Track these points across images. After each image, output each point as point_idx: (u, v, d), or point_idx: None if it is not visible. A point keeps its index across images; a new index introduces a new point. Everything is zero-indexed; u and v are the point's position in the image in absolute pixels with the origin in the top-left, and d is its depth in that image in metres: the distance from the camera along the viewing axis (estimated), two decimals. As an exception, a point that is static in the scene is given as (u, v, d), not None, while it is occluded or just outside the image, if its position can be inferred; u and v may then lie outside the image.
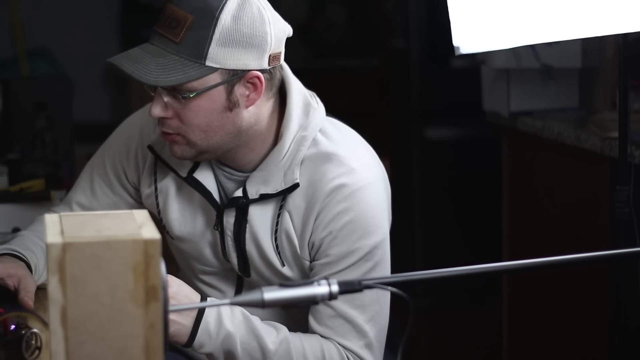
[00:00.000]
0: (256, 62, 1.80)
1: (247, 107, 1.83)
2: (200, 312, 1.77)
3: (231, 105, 1.82)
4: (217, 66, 1.77)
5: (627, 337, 2.36)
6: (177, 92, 1.78)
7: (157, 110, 1.81)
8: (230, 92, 1.80)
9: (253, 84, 1.82)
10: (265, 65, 1.81)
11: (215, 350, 1.80)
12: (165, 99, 1.80)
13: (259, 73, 1.81)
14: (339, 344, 1.86)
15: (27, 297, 1.88)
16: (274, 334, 1.83)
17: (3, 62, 4.93)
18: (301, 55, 5.02)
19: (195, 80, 1.77)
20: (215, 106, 1.81)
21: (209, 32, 1.76)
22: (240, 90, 1.81)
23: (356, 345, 1.86)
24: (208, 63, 1.77)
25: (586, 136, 2.85)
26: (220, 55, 1.77)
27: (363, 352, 1.87)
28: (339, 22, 5.40)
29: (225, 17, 1.77)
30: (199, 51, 1.76)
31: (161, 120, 1.83)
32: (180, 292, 1.76)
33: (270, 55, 1.81)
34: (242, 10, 1.78)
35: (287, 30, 1.86)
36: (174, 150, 1.86)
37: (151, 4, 5.28)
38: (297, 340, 1.84)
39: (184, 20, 1.76)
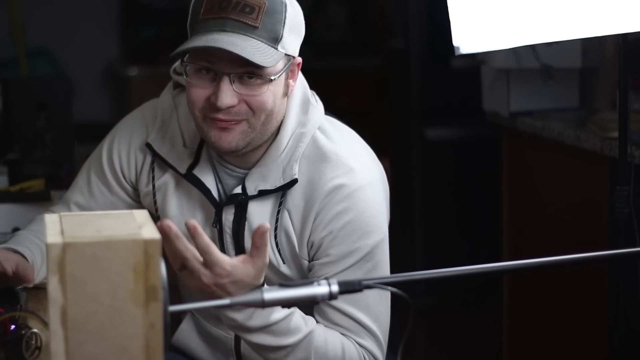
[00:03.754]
0: (298, 49, 1.85)
1: (288, 94, 1.86)
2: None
3: (286, 90, 1.85)
4: (284, 51, 1.80)
5: (627, 337, 2.36)
6: (259, 76, 1.78)
7: (227, 98, 1.77)
8: (286, 77, 1.84)
9: (293, 71, 1.86)
10: (298, 53, 1.86)
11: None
12: (235, 86, 1.78)
13: (300, 60, 1.86)
14: (356, 342, 1.86)
15: (27, 272, 1.90)
16: (297, 335, 1.81)
17: (3, 62, 4.92)
18: (301, 55, 5.00)
19: (276, 63, 1.79)
20: (280, 91, 1.83)
21: (282, 17, 1.79)
22: (287, 77, 1.85)
23: (370, 344, 1.87)
24: (280, 48, 1.79)
25: (586, 136, 2.85)
26: (288, 41, 1.81)
27: (376, 351, 1.88)
28: (339, 22, 5.40)
29: (289, 3, 1.81)
30: (275, 36, 1.78)
31: (227, 109, 1.79)
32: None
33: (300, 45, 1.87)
34: None
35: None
36: (228, 140, 1.82)
37: (151, 4, 5.28)
38: (322, 334, 1.83)
39: (259, 6, 1.77)
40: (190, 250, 1.60)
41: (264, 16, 1.77)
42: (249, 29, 1.76)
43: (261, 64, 1.75)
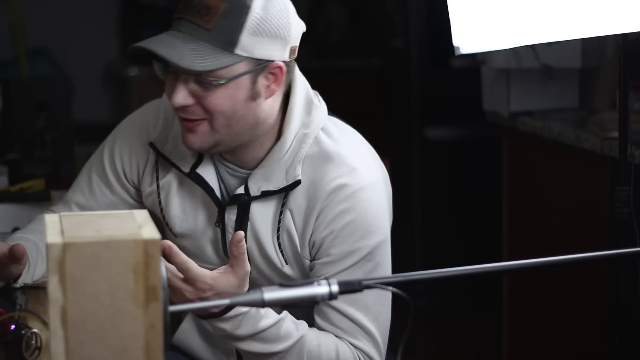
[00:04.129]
0: (279, 53, 1.82)
1: (266, 98, 1.84)
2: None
3: (254, 94, 1.82)
4: (246, 55, 1.78)
5: (627, 337, 2.36)
6: (206, 79, 1.78)
7: (179, 98, 1.80)
8: (254, 81, 1.81)
9: (274, 74, 1.83)
10: (286, 57, 1.84)
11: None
12: (189, 86, 1.79)
13: (281, 64, 1.83)
14: (350, 344, 1.86)
15: (18, 249, 1.89)
16: (288, 341, 1.83)
17: (3, 62, 4.92)
18: (301, 55, 5.00)
19: (226, 67, 1.77)
20: (240, 95, 1.81)
21: (241, 20, 1.77)
22: (262, 81, 1.82)
23: (366, 345, 1.87)
24: (237, 51, 1.77)
25: (586, 136, 2.85)
26: (250, 45, 1.78)
27: (372, 352, 1.88)
28: (339, 22, 5.40)
29: (257, 6, 1.78)
30: (231, 39, 1.77)
31: (183, 108, 1.82)
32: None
33: (291, 48, 1.84)
34: (271, 1, 1.80)
35: (302, 25, 1.90)
36: (192, 141, 1.84)
37: (151, 4, 5.28)
38: (314, 338, 1.84)
39: (216, 8, 1.76)
40: (169, 269, 1.62)
41: (219, 19, 1.76)
42: (200, 32, 1.77)
43: (191, 67, 1.75)
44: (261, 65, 1.81)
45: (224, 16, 1.76)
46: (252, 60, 1.80)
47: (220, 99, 1.80)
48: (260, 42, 1.79)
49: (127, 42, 5.43)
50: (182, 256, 1.67)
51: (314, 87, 1.99)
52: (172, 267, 1.66)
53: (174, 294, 1.69)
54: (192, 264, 1.68)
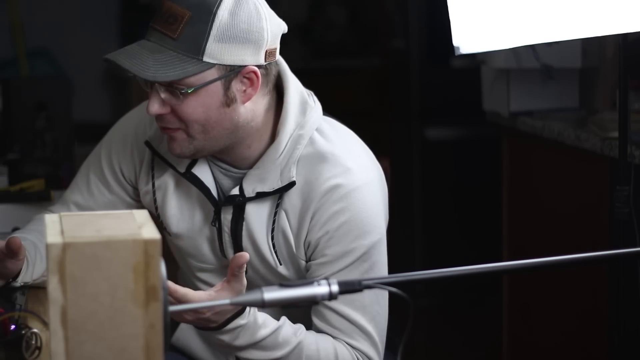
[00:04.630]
0: (253, 57, 1.81)
1: (244, 102, 1.84)
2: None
3: (228, 100, 1.82)
4: (215, 62, 1.78)
5: (627, 337, 2.36)
6: (175, 88, 1.79)
7: (154, 107, 1.81)
8: (227, 87, 1.81)
9: (249, 79, 1.82)
10: (262, 61, 1.82)
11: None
12: (163, 95, 1.80)
13: (255, 68, 1.82)
14: (348, 344, 1.87)
15: (15, 242, 1.89)
16: (286, 347, 1.84)
17: (3, 62, 4.92)
18: (301, 55, 5.01)
19: (193, 75, 1.77)
20: (213, 101, 1.81)
21: (206, 27, 1.76)
22: (237, 86, 1.82)
23: (364, 345, 1.87)
24: (205, 59, 1.77)
25: (586, 136, 2.85)
26: (217, 51, 1.77)
27: (371, 352, 1.88)
28: (339, 22, 5.40)
29: (223, 13, 1.77)
30: (197, 47, 1.76)
31: (159, 117, 1.83)
32: None
33: (266, 51, 1.82)
34: (239, 6, 1.78)
35: (282, 26, 1.87)
36: (173, 147, 1.86)
37: (151, 4, 5.28)
38: (313, 342, 1.85)
39: (182, 16, 1.76)
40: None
41: (184, 27, 1.76)
42: (167, 41, 1.77)
43: (153, 79, 1.75)
44: (233, 72, 1.80)
45: (189, 24, 1.76)
46: (222, 67, 1.79)
47: (192, 107, 1.80)
48: (228, 48, 1.78)
49: (127, 42, 5.42)
50: (180, 290, 1.70)
51: (314, 87, 1.99)
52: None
53: (175, 315, 1.72)
54: (189, 293, 1.71)
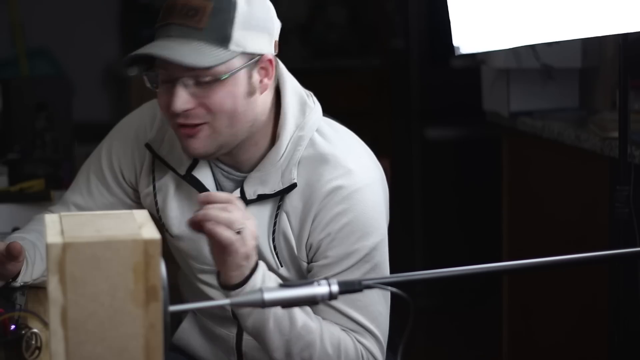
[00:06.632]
0: (268, 47, 1.83)
1: (261, 93, 1.85)
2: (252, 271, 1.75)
3: (251, 90, 1.83)
4: (240, 50, 1.79)
5: (627, 337, 2.36)
6: (205, 77, 1.78)
7: (180, 102, 1.79)
8: (250, 76, 1.82)
9: (265, 68, 1.84)
10: (273, 51, 1.84)
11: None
12: (189, 89, 1.79)
13: (271, 57, 1.84)
14: (355, 338, 1.87)
15: (16, 246, 1.89)
16: (299, 311, 1.82)
17: (3, 62, 4.93)
18: (301, 55, 5.01)
19: (223, 63, 1.78)
20: (239, 91, 1.81)
21: (230, 16, 1.78)
22: (256, 75, 1.83)
23: (368, 341, 1.87)
24: (232, 47, 1.78)
25: (586, 136, 2.85)
26: (242, 39, 1.79)
27: (374, 349, 1.88)
28: (339, 22, 5.40)
29: (241, 2, 1.79)
30: (224, 35, 1.77)
31: (184, 113, 1.81)
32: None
33: (275, 42, 1.85)
34: None
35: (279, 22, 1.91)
36: (195, 147, 1.84)
37: (151, 4, 5.28)
38: (316, 322, 1.84)
39: (203, 7, 1.77)
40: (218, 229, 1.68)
41: (209, 17, 1.77)
42: (192, 32, 1.77)
43: (195, 65, 1.75)
44: (253, 60, 1.82)
45: (213, 14, 1.77)
46: (246, 55, 1.80)
47: (222, 97, 1.80)
48: (250, 35, 1.80)
49: (127, 42, 5.44)
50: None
51: (314, 87, 1.99)
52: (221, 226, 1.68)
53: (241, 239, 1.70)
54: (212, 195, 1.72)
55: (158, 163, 1.98)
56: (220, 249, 1.70)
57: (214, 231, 1.67)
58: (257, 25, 1.81)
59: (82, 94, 4.76)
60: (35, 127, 2.75)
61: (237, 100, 1.81)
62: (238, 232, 1.68)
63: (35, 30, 5.04)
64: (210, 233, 1.68)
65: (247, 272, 1.73)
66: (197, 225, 1.69)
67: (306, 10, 5.30)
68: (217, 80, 1.78)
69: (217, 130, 1.82)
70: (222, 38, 1.77)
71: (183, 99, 1.79)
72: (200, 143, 1.83)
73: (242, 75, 1.81)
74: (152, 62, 1.84)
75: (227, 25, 1.77)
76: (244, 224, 1.70)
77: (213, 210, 1.68)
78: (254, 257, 1.74)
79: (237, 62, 1.80)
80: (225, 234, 1.68)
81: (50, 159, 2.74)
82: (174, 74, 1.79)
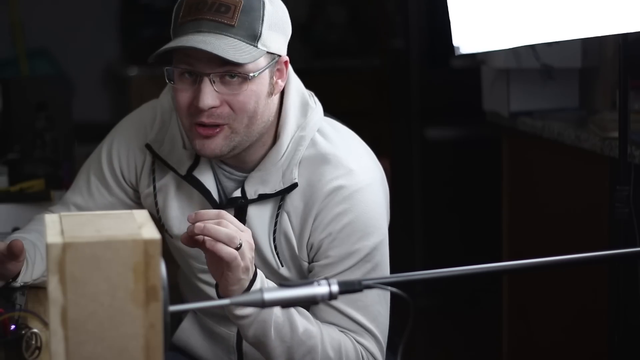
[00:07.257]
0: (284, 47, 1.84)
1: (275, 94, 1.85)
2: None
3: (271, 90, 1.83)
4: (265, 49, 1.79)
5: (627, 337, 2.36)
6: (236, 75, 1.77)
7: (208, 99, 1.77)
8: (271, 76, 1.82)
9: (280, 70, 1.84)
10: (286, 52, 1.84)
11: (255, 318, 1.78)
12: (216, 87, 1.78)
13: (287, 58, 1.85)
14: (354, 339, 1.86)
15: (17, 244, 1.88)
16: (299, 316, 1.82)
17: (3, 62, 4.92)
18: (301, 55, 5.01)
19: (255, 61, 1.77)
20: (263, 90, 1.81)
21: (259, 14, 1.78)
22: (274, 76, 1.84)
23: (368, 342, 1.88)
24: (260, 45, 1.78)
25: (586, 136, 2.85)
26: (268, 38, 1.79)
27: (374, 349, 1.88)
28: (339, 22, 5.39)
29: (268, 1, 1.80)
30: (254, 33, 1.77)
31: (209, 112, 1.79)
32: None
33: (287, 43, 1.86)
34: None
35: None
36: (211, 148, 1.82)
37: (151, 4, 5.27)
38: (316, 326, 1.84)
39: (235, 4, 1.77)
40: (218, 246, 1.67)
41: (240, 14, 1.76)
42: (225, 28, 1.76)
43: (236, 60, 1.74)
44: (274, 60, 1.82)
45: (245, 11, 1.77)
46: (268, 55, 1.81)
47: (248, 97, 1.79)
48: (273, 35, 1.80)
49: (127, 42, 5.44)
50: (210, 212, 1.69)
51: (314, 87, 1.99)
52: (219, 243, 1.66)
53: (242, 253, 1.68)
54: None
55: (158, 163, 1.98)
56: (220, 264, 1.70)
57: (216, 249, 1.66)
58: (279, 25, 1.81)
59: (82, 94, 4.77)
60: (35, 127, 2.75)
61: (260, 101, 1.81)
62: (237, 247, 1.68)
63: (35, 30, 5.03)
64: (212, 250, 1.67)
65: (246, 284, 1.73)
66: (192, 241, 1.68)
67: (306, 10, 5.30)
68: (245, 78, 1.78)
69: (235, 131, 1.81)
70: (253, 36, 1.77)
71: (211, 96, 1.78)
72: (217, 144, 1.82)
73: (266, 75, 1.81)
74: (166, 58, 1.82)
75: (257, 23, 1.77)
76: (242, 237, 1.69)
77: (212, 226, 1.67)
78: (252, 268, 1.74)
79: (263, 61, 1.80)
80: (227, 250, 1.67)
81: (50, 159, 2.74)
82: (203, 69, 1.78)
